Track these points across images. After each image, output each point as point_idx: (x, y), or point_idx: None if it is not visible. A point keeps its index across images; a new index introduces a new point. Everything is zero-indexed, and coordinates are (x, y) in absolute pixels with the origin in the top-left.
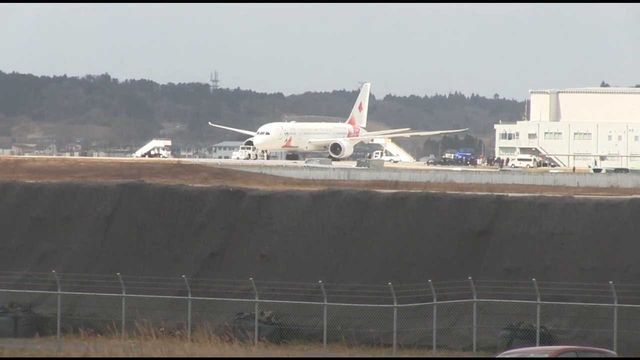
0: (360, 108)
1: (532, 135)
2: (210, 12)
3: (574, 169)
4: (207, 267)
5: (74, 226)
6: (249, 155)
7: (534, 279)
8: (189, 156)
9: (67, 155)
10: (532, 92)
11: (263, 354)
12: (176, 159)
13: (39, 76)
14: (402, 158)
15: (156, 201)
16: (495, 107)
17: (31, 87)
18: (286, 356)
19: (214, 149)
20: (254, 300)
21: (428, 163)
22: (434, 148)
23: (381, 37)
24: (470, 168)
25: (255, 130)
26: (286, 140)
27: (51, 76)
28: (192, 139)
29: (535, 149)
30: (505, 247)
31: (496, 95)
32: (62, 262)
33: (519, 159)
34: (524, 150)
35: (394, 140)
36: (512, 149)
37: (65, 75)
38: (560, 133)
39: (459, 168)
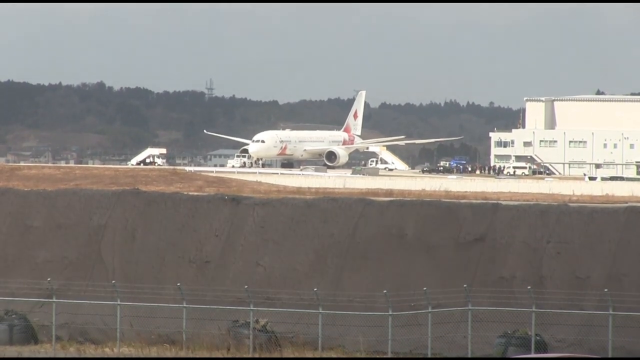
0: (355, 116)
1: (527, 143)
2: (205, 21)
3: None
4: (202, 275)
5: (69, 234)
6: (244, 163)
7: (529, 287)
8: (184, 164)
9: (63, 164)
10: (527, 100)
11: None
12: (171, 167)
13: (34, 84)
14: (397, 166)
15: (151, 209)
16: (490, 115)
17: (26, 96)
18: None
19: (209, 157)
20: (249, 308)
21: (423, 171)
22: (429, 156)
23: (376, 45)
24: (465, 176)
25: (250, 138)
26: (281, 148)
27: (46, 84)
28: (187, 147)
29: (531, 157)
30: (501, 255)
31: (491, 103)
32: (57, 270)
33: (514, 167)
34: (519, 158)
35: (389, 148)
36: (508, 157)
37: (60, 84)
38: (555, 141)
39: (454, 176)
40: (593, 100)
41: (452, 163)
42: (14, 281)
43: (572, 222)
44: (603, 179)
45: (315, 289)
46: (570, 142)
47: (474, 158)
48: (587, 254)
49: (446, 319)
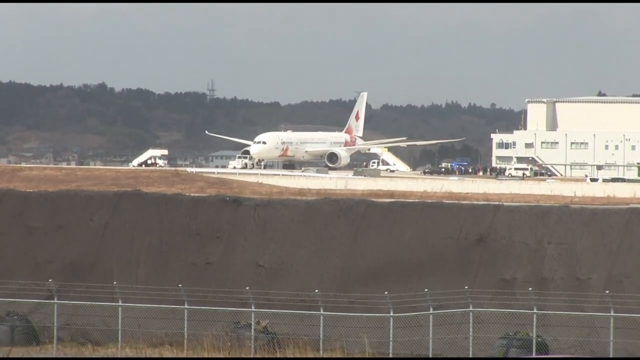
0: (357, 117)
1: (528, 145)
2: (206, 22)
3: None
4: (203, 276)
5: (70, 235)
6: (246, 164)
7: (530, 289)
8: (186, 165)
9: (64, 165)
10: (528, 102)
11: None
12: (173, 168)
13: (36, 85)
14: (399, 167)
15: (153, 210)
16: (492, 117)
17: (27, 96)
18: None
19: (210, 158)
20: (250, 309)
21: (424, 172)
22: (431, 157)
23: (378, 46)
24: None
25: (251, 140)
26: (283, 149)
27: (47, 85)
28: (188, 149)
29: (532, 158)
30: (502, 257)
31: (493, 104)
32: (59, 271)
33: (515, 168)
34: (520, 159)
35: (390, 149)
36: (509, 159)
37: (61, 85)
38: (557, 142)
39: (455, 177)
40: (595, 102)
41: (453, 164)
42: (15, 282)
43: (573, 223)
44: (604, 180)
45: (316, 290)
46: (571, 143)
47: (475, 159)
48: (589, 256)
49: (447, 320)
